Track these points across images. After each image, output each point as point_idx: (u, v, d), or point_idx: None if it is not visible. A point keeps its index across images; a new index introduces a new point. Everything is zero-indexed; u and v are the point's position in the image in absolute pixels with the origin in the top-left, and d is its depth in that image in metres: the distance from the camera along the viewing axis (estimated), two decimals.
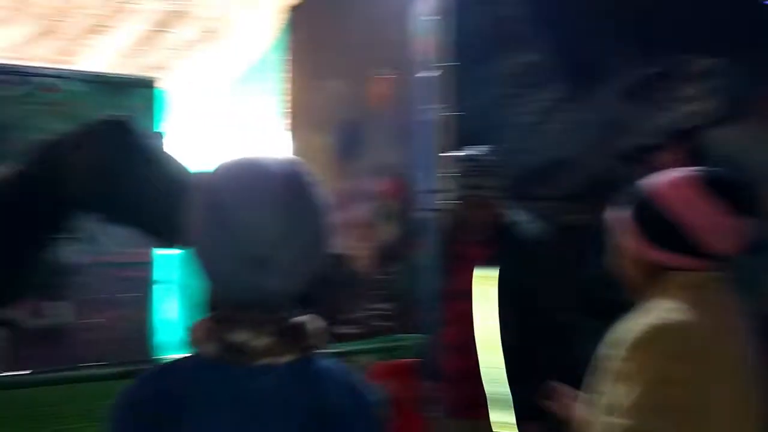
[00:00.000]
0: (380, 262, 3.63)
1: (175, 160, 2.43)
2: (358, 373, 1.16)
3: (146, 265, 7.01)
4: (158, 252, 6.52)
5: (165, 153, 2.45)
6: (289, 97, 5.35)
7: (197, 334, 1.08)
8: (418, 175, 3.10)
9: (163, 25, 7.01)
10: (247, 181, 1.05)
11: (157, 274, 6.93)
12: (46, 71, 6.83)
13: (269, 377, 1.02)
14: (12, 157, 2.65)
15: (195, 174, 2.59)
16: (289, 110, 5.31)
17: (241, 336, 1.04)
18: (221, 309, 1.09)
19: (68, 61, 6.73)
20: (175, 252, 2.51)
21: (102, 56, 6.88)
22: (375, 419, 1.12)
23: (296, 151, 4.82)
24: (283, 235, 1.02)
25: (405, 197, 3.56)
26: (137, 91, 7.29)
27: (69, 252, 2.63)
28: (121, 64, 6.93)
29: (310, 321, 1.10)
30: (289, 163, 1.11)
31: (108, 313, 7.08)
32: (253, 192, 1.04)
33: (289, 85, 5.42)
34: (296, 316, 1.09)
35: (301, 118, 4.87)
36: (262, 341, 1.03)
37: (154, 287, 7.06)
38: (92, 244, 2.67)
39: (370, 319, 3.62)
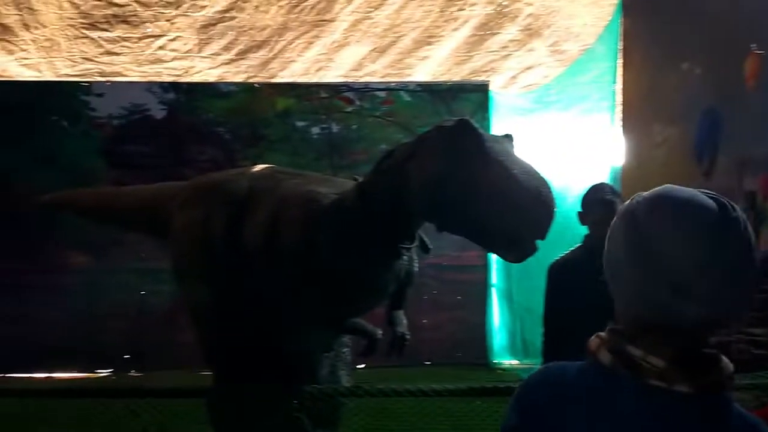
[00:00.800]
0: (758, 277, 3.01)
1: (523, 163, 2.21)
2: None
3: (482, 268, 7.16)
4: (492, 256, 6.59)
5: (511, 155, 2.24)
6: (623, 87, 4.90)
7: (596, 343, 1.09)
8: None
9: (487, 27, 7.03)
10: (669, 209, 1.05)
11: (492, 277, 7.01)
12: (382, 85, 7.36)
13: (659, 401, 0.98)
14: (354, 169, 2.72)
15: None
16: (623, 101, 4.87)
17: (637, 351, 1.02)
18: (628, 324, 1.07)
19: (402, 74, 7.08)
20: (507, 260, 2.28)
21: (432, 65, 7.11)
22: None
23: (630, 145, 4.38)
24: (704, 263, 0.99)
25: None
26: (469, 96, 7.46)
27: (410, 259, 2.61)
28: (451, 71, 7.09)
29: (725, 362, 1.02)
30: (713, 195, 1.05)
31: (445, 314, 7.38)
32: (676, 221, 1.03)
33: (623, 74, 4.97)
34: (708, 346, 1.02)
35: (638, 109, 4.40)
36: (656, 361, 1.00)
37: (490, 291, 7.15)
38: (426, 249, 2.61)
39: (740, 345, 3.05)
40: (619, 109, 5.13)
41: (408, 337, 2.68)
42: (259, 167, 2.88)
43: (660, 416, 0.98)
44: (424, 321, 6.38)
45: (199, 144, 6.81)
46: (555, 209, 2.18)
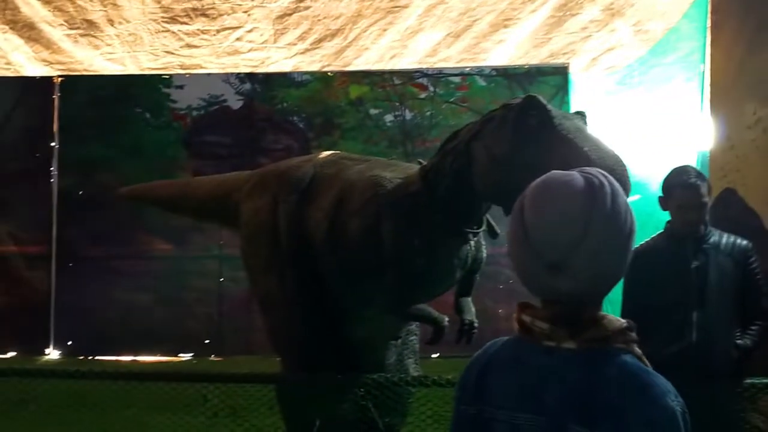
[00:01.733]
0: None
1: (595, 140, 2.09)
2: (660, 379, 1.12)
3: None
4: None
5: (582, 132, 2.12)
6: (712, 66, 4.63)
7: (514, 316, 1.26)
8: None
9: (567, 8, 6.79)
10: (545, 195, 1.19)
11: None
12: (456, 71, 7.25)
13: (552, 358, 1.15)
14: (428, 156, 2.64)
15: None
16: (712, 81, 4.60)
17: (527, 318, 1.21)
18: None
19: (477, 59, 6.95)
20: None
21: (509, 49, 6.94)
22: (660, 427, 1.07)
23: (719, 127, 4.12)
24: (572, 244, 1.13)
25: None
26: (547, 79, 7.26)
27: (477, 244, 2.53)
28: (528, 54, 6.90)
29: (608, 320, 1.16)
30: (591, 176, 1.20)
31: (508, 302, 7.21)
32: (546, 205, 1.17)
33: (711, 53, 4.68)
34: (592, 313, 1.17)
35: (728, 89, 4.13)
36: (542, 325, 1.17)
37: None
38: (494, 234, 2.52)
39: None
40: (707, 90, 4.87)
41: (476, 325, 2.61)
42: (324, 154, 2.87)
43: (553, 370, 1.14)
44: (500, 311, 6.26)
45: (275, 133, 6.91)
46: (630, 188, 2.07)
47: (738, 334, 2.56)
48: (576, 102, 6.38)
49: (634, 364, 1.13)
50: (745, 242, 2.77)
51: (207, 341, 6.73)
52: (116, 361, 6.20)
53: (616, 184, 1.20)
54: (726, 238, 2.60)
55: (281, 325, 2.73)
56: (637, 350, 1.15)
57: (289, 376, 2.68)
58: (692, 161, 4.85)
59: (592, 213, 1.13)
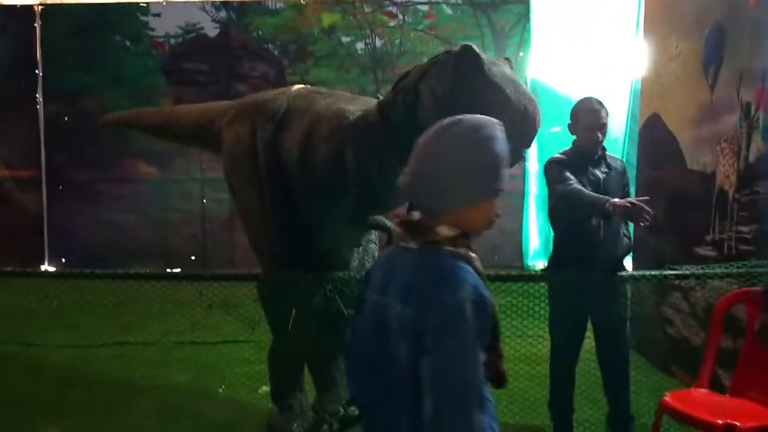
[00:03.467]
0: (746, 180, 3.26)
1: (516, 83, 2.54)
2: (468, 275, 1.36)
3: (520, 177, 7.39)
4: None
5: (506, 76, 2.57)
6: (646, 1, 4.93)
7: None
8: None
9: None
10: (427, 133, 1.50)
11: (528, 185, 7.33)
12: None
13: (403, 254, 1.43)
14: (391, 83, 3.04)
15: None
16: (645, 12, 4.90)
17: (392, 224, 1.64)
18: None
19: None
20: None
21: None
22: (445, 312, 1.31)
23: (649, 58, 4.47)
24: (418, 171, 1.45)
25: None
26: (510, 8, 7.57)
27: None
28: None
29: (441, 228, 1.40)
30: (473, 118, 1.49)
31: None
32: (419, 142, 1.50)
33: None
34: (430, 223, 1.42)
35: (658, 22, 4.48)
36: (397, 229, 1.47)
37: (527, 198, 7.48)
38: None
39: (731, 242, 3.35)
40: (645, 22, 5.15)
41: None
42: (296, 87, 3.29)
43: (402, 264, 1.42)
44: None
45: (251, 60, 7.21)
46: (539, 123, 2.56)
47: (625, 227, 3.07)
48: (536, 30, 6.74)
49: (448, 261, 1.37)
50: (619, 158, 3.36)
51: (193, 257, 7.23)
52: None
53: (494, 134, 1.44)
54: (609, 154, 3.09)
55: (260, 234, 3.20)
56: (464, 252, 1.38)
57: (269, 275, 3.19)
58: (627, 88, 5.29)
59: (442, 136, 1.44)
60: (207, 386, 3.86)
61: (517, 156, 2.57)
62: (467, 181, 1.42)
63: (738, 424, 2.38)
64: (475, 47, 2.57)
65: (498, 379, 1.46)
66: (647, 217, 2.59)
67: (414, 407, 1.32)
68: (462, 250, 1.39)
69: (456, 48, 2.63)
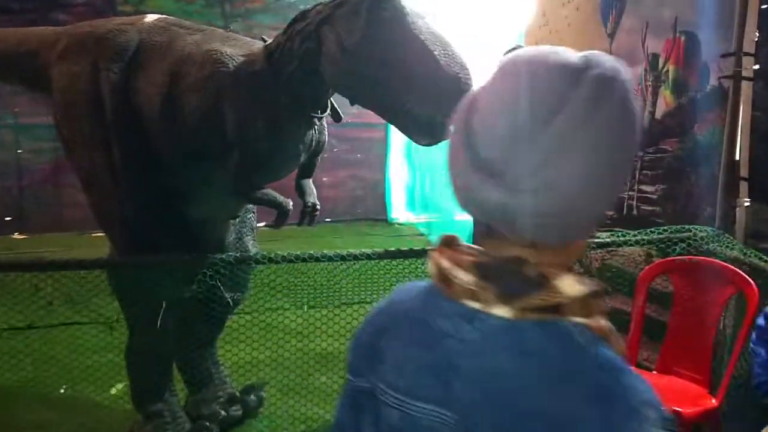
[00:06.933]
0: (651, 138, 3.07)
1: (446, 43, 2.07)
2: (638, 382, 0.70)
3: (382, 126, 7.06)
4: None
5: (435, 35, 2.09)
6: None
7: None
8: (707, 33, 2.53)
9: None
10: (505, 77, 0.75)
11: (391, 135, 6.99)
12: None
13: (471, 327, 0.74)
14: (248, 18, 2.48)
15: None
16: None
17: (446, 262, 0.78)
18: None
19: None
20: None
21: None
22: None
23: (535, 2, 4.26)
24: (523, 133, 0.70)
25: (689, 61, 2.96)
26: None
27: (320, 128, 2.50)
28: None
29: (568, 280, 0.73)
30: (577, 58, 0.75)
31: (345, 172, 7.36)
32: (502, 88, 0.74)
33: None
34: (541, 266, 0.73)
35: None
36: (463, 275, 0.76)
37: (389, 148, 7.15)
38: (338, 118, 2.49)
39: (631, 201, 3.18)
40: None
41: (318, 206, 2.62)
42: (150, 18, 2.59)
43: (472, 346, 0.74)
44: (324, 179, 6.35)
45: None
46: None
47: None
48: None
49: (597, 352, 0.73)
50: None
51: (8, 218, 6.19)
52: None
53: (630, 83, 0.76)
54: None
55: (108, 204, 2.55)
56: (605, 325, 0.74)
57: (121, 255, 2.55)
58: (515, 37, 5.04)
59: (569, 96, 0.71)
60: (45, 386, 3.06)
61: (443, 130, 2.07)
62: (616, 184, 0.77)
63: (680, 410, 2.19)
64: None
65: None
66: None
67: None
68: (601, 323, 0.73)
69: None
